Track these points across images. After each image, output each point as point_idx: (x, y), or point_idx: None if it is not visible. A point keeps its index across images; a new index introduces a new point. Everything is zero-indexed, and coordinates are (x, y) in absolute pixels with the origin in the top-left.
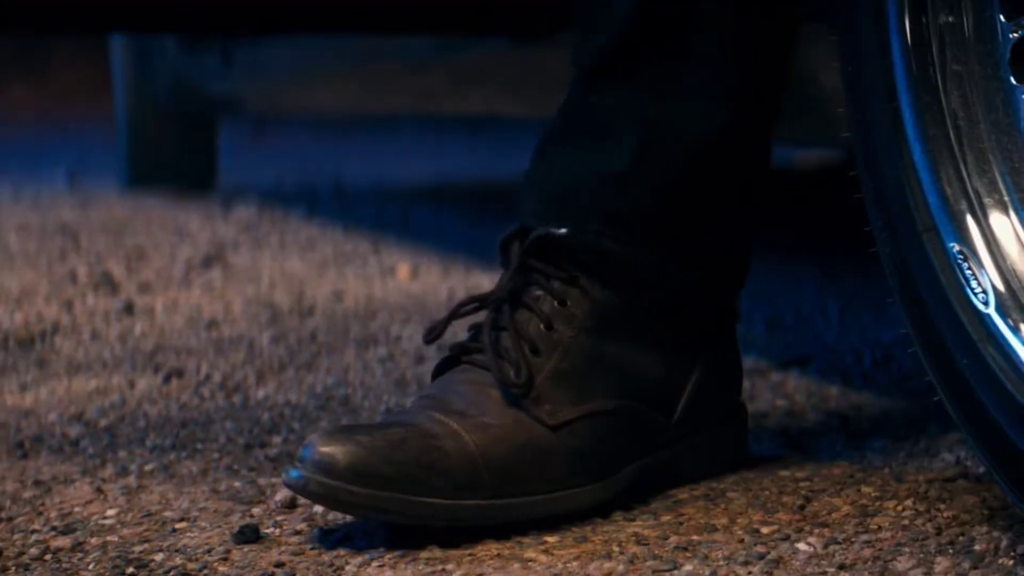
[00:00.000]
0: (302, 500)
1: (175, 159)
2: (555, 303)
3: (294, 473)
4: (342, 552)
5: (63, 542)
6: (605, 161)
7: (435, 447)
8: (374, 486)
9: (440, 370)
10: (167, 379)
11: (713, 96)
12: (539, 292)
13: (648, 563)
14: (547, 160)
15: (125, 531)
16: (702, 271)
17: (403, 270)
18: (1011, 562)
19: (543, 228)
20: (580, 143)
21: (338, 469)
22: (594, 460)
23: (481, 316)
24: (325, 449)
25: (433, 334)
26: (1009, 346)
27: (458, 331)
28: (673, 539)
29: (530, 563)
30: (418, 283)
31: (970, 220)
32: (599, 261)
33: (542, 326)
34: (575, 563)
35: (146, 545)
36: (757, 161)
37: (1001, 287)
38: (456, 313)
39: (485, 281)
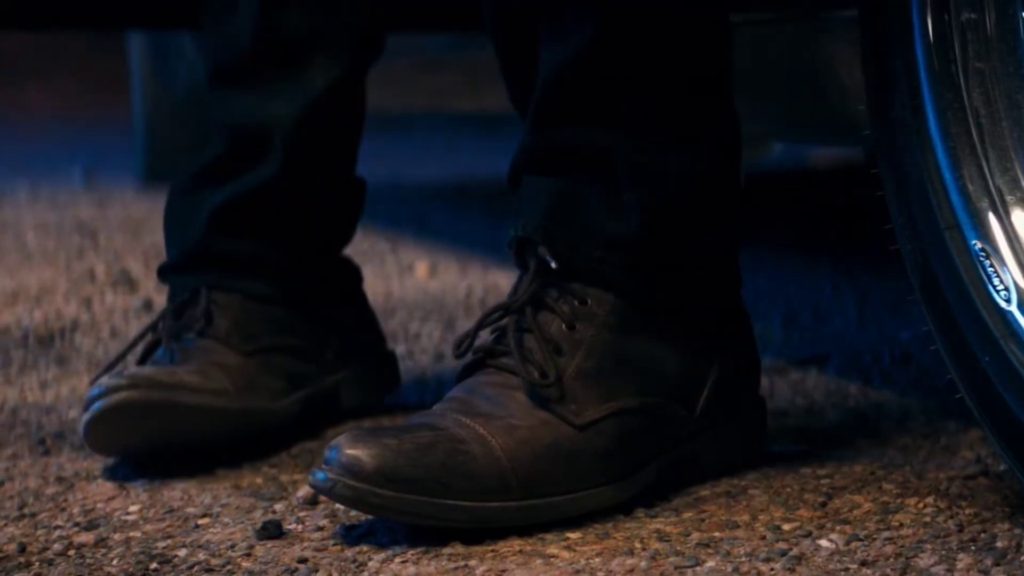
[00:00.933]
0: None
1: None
2: (576, 302)
3: (320, 475)
4: (365, 548)
5: (86, 538)
6: (603, 192)
7: (462, 451)
8: (401, 489)
9: (464, 374)
10: None
11: (707, 134)
12: (558, 293)
13: (670, 559)
14: (543, 175)
15: (148, 527)
16: (704, 271)
17: (421, 268)
18: None
19: (548, 256)
20: (574, 170)
21: (365, 472)
22: (619, 459)
23: (505, 320)
24: (352, 452)
25: (463, 347)
26: None
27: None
28: (695, 536)
29: (552, 559)
30: (436, 281)
31: (992, 217)
32: (605, 284)
33: (564, 326)
34: (597, 559)
35: (169, 541)
36: (739, 164)
37: (1023, 284)
38: (483, 323)
39: (503, 279)
